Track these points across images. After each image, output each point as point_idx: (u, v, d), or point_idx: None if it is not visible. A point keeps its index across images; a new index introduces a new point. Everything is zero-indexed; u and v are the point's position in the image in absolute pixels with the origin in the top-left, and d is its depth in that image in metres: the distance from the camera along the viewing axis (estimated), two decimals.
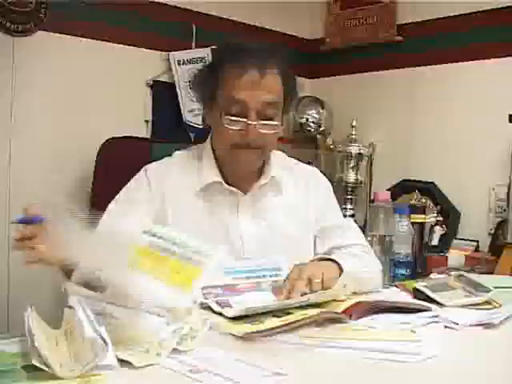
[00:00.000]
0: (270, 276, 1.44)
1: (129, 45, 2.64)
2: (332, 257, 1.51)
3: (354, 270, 1.48)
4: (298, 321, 1.19)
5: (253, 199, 1.63)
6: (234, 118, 1.50)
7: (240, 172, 1.60)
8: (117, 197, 1.61)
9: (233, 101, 1.50)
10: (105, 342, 0.92)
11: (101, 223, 1.37)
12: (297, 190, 1.70)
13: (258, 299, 1.34)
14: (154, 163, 1.66)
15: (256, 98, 1.49)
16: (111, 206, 1.58)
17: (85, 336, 0.90)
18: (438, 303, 1.42)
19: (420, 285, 1.52)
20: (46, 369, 0.88)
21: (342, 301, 1.33)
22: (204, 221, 1.58)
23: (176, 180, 1.61)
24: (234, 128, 1.51)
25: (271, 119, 1.53)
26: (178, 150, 1.71)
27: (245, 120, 1.49)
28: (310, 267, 1.40)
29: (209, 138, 1.67)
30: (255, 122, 1.49)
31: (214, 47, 2.81)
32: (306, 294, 1.32)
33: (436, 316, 1.32)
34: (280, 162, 1.70)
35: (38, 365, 0.89)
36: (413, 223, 2.19)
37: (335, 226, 1.70)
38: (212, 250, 1.12)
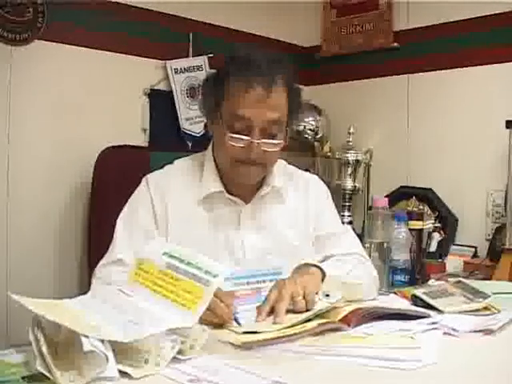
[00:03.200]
0: (271, 280, 1.44)
1: (126, 53, 2.64)
2: (315, 262, 1.50)
3: (338, 274, 1.48)
4: (296, 333, 1.19)
5: (254, 209, 1.63)
6: (237, 136, 1.49)
7: (241, 183, 1.60)
8: (122, 215, 1.61)
9: (237, 117, 1.49)
10: (105, 354, 0.92)
11: (117, 248, 1.55)
12: (297, 197, 1.70)
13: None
14: (154, 172, 1.67)
15: (261, 115, 1.48)
16: (119, 228, 1.59)
17: (83, 349, 0.90)
18: (436, 309, 1.42)
19: (418, 291, 1.52)
20: (49, 375, 0.88)
21: (341, 307, 1.33)
22: (205, 230, 1.58)
23: (177, 189, 1.61)
24: (236, 145, 1.50)
25: (275, 136, 1.52)
26: (179, 158, 1.71)
27: (248, 138, 1.49)
28: (290, 284, 1.35)
29: (210, 146, 1.67)
30: (259, 141, 1.49)
31: (210, 55, 2.82)
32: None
33: (435, 322, 1.32)
34: (281, 171, 1.70)
35: (41, 370, 0.89)
36: (411, 230, 2.18)
37: (331, 235, 1.70)
38: (218, 270, 1.13)
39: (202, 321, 1.11)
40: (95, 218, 2.39)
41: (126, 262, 1.50)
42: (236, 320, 1.28)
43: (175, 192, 1.60)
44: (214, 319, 1.24)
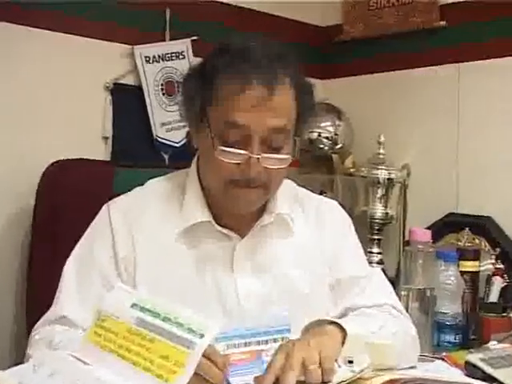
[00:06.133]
0: (275, 340, 1.44)
1: (81, 35, 2.64)
2: (332, 318, 1.50)
3: (363, 333, 1.47)
4: None
5: (252, 244, 1.64)
6: (230, 150, 1.50)
7: (236, 211, 1.61)
8: (73, 255, 1.63)
9: (230, 125, 1.50)
10: None
11: (62, 301, 1.56)
12: (309, 230, 1.72)
13: None
14: (120, 198, 1.68)
15: (261, 122, 1.49)
16: (68, 274, 1.60)
17: None
18: (499, 383, 1.42)
19: (474, 357, 1.52)
20: None
21: (368, 379, 1.33)
22: (187, 273, 1.59)
23: (150, 219, 1.62)
24: (230, 161, 1.51)
25: (280, 149, 1.53)
26: (153, 177, 1.72)
27: (245, 152, 1.50)
28: (301, 346, 1.34)
29: (194, 162, 1.68)
30: (259, 155, 1.50)
31: (194, 38, 2.84)
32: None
33: None
34: (288, 194, 1.71)
35: None
36: (463, 272, 2.19)
37: (353, 280, 1.71)
38: (205, 328, 1.13)
39: None
40: (38, 258, 2.38)
41: (72, 320, 1.52)
42: None
43: (147, 224, 1.61)
44: None
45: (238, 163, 1.51)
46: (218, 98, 1.52)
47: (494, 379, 1.44)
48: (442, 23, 3.02)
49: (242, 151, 1.50)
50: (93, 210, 1.67)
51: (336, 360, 1.36)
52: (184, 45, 2.86)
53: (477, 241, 2.85)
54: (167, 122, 2.81)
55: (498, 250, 2.80)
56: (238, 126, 1.49)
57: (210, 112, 1.54)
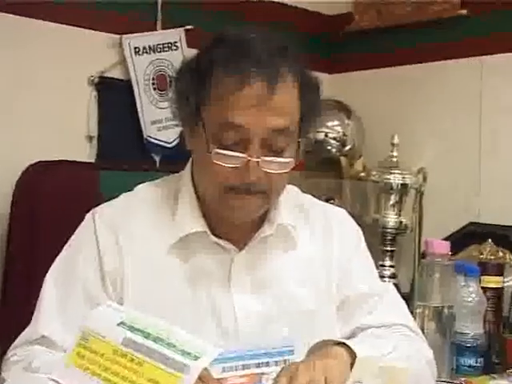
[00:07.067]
0: (277, 363, 1.44)
1: (63, 23, 2.64)
2: (341, 339, 1.50)
3: (374, 356, 1.48)
4: None
5: (251, 257, 1.64)
6: (227, 153, 1.50)
7: (234, 221, 1.61)
8: (53, 269, 1.62)
9: (227, 125, 1.49)
10: None
11: (42, 319, 1.55)
12: (315, 242, 1.72)
13: None
14: (106, 205, 1.68)
15: (261, 122, 1.49)
16: (48, 290, 1.60)
17: None
18: None
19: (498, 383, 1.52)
20: None
21: None
22: (180, 290, 1.59)
23: (140, 229, 1.62)
24: (227, 165, 1.51)
25: (281, 152, 1.53)
26: (142, 181, 1.72)
27: (244, 155, 1.50)
28: (306, 370, 1.35)
29: (188, 166, 1.68)
30: (259, 159, 1.50)
31: (188, 27, 2.84)
32: None
33: None
34: (291, 202, 1.71)
35: None
36: (485, 288, 2.19)
37: (363, 297, 1.72)
38: (202, 351, 1.13)
39: None
40: (14, 270, 2.37)
41: (53, 340, 1.51)
42: None
43: (136, 235, 1.62)
44: None
45: (236, 167, 1.50)
46: (214, 96, 1.52)
47: None
48: (463, 12, 3.01)
49: (240, 154, 1.50)
50: (75, 217, 1.67)
51: None
52: (177, 35, 2.86)
53: (501, 253, 2.84)
54: (158, 120, 2.81)
55: None
56: (236, 126, 1.49)
57: (205, 111, 1.54)
